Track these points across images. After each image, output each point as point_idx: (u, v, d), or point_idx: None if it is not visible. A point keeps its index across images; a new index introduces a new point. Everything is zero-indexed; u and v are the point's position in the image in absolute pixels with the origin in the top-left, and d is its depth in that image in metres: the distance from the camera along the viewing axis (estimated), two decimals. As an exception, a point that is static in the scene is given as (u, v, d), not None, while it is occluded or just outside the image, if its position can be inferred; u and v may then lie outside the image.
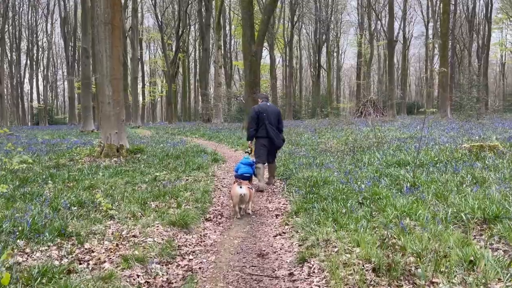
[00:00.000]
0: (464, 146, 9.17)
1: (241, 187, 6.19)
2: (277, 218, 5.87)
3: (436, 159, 8.30)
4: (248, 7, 20.55)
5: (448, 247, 3.80)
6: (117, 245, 4.46)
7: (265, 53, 57.32)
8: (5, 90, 59.05)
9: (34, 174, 8.51)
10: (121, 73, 11.95)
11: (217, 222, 5.63)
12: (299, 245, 4.58)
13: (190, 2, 47.91)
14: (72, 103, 50.03)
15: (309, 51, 69.38)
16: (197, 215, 5.63)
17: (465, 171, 6.78)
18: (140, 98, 63.27)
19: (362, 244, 4.09)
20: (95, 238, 4.65)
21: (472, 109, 26.32)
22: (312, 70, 66.04)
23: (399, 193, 6.24)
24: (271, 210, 6.29)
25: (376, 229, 4.73)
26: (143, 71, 64.44)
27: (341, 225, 4.82)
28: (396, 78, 56.50)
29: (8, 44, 57.59)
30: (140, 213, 5.72)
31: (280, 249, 4.58)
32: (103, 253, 4.23)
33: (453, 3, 39.37)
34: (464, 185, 6.02)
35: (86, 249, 4.33)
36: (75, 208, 5.93)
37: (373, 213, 5.36)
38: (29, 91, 66.73)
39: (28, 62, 60.73)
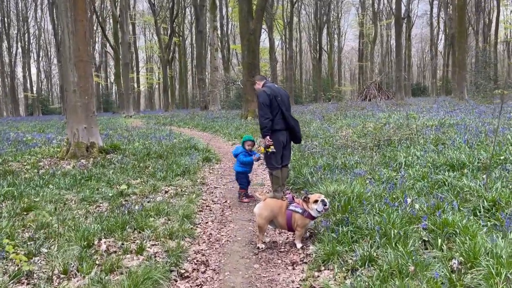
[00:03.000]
0: (533, 139, 6.98)
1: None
2: (294, 269, 3.70)
3: (501, 158, 6.11)
4: (244, -22, 18.10)
5: None
6: None
7: (264, 35, 54.64)
8: (-4, 79, 56.81)
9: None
10: (89, 54, 9.69)
11: (197, 284, 3.46)
12: None
13: (183, -18, 45.19)
14: (63, 91, 47.60)
15: (309, 33, 66.71)
16: (165, 272, 3.47)
17: None
18: (135, 86, 60.95)
19: None
20: None
21: (490, 90, 24.02)
22: (312, 52, 63.40)
23: (474, 217, 4.12)
24: (283, 251, 4.11)
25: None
26: (137, 57, 61.83)
27: (417, 303, 2.68)
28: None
29: (-4, 32, 55.02)
30: (75, 267, 3.57)
31: None
32: None
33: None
34: None
35: None
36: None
37: (452, 258, 3.26)
38: (22, 80, 64.29)
39: (20, 50, 58.21)
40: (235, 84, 25.32)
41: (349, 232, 3.89)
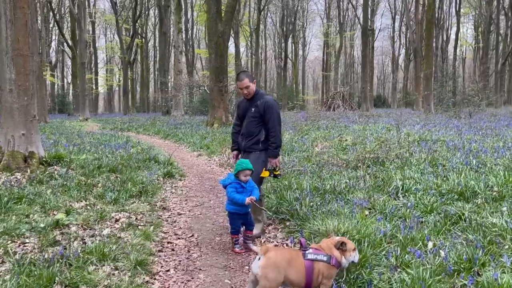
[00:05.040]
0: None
1: (259, 259, 3.01)
2: None
3: (516, 185, 5.27)
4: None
5: None
6: None
7: (230, 41, 53.47)
8: None
9: None
10: (30, 47, 8.18)
11: None
12: None
13: (147, -19, 43.52)
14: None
15: (274, 41, 66.55)
16: None
17: None
18: (94, 87, 58.24)
19: None
20: None
21: (453, 104, 24.09)
22: (277, 60, 63.11)
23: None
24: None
25: None
26: (96, 58, 59.14)
27: None
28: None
29: None
30: None
31: None
32: None
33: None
34: None
35: None
36: None
37: None
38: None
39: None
40: (201, 89, 24.03)
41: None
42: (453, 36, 54.86)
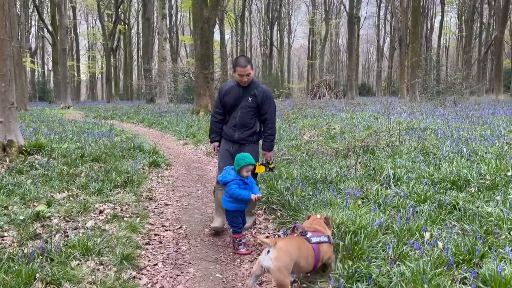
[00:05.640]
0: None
1: (268, 252, 2.82)
2: None
3: (508, 173, 5.23)
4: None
5: None
6: None
7: (215, 27, 52.46)
8: None
9: None
10: (8, 32, 7.81)
11: None
12: None
13: (130, -35, 42.47)
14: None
15: (259, 28, 65.99)
16: None
17: None
18: (76, 74, 57.01)
19: None
20: None
21: (438, 92, 24.22)
22: (263, 48, 62.68)
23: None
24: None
25: None
26: (78, 44, 57.75)
27: None
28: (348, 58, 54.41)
29: None
30: None
31: None
32: None
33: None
34: None
35: None
36: None
37: None
38: None
39: None
40: (186, 77, 23.63)
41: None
42: (437, 25, 55.21)
